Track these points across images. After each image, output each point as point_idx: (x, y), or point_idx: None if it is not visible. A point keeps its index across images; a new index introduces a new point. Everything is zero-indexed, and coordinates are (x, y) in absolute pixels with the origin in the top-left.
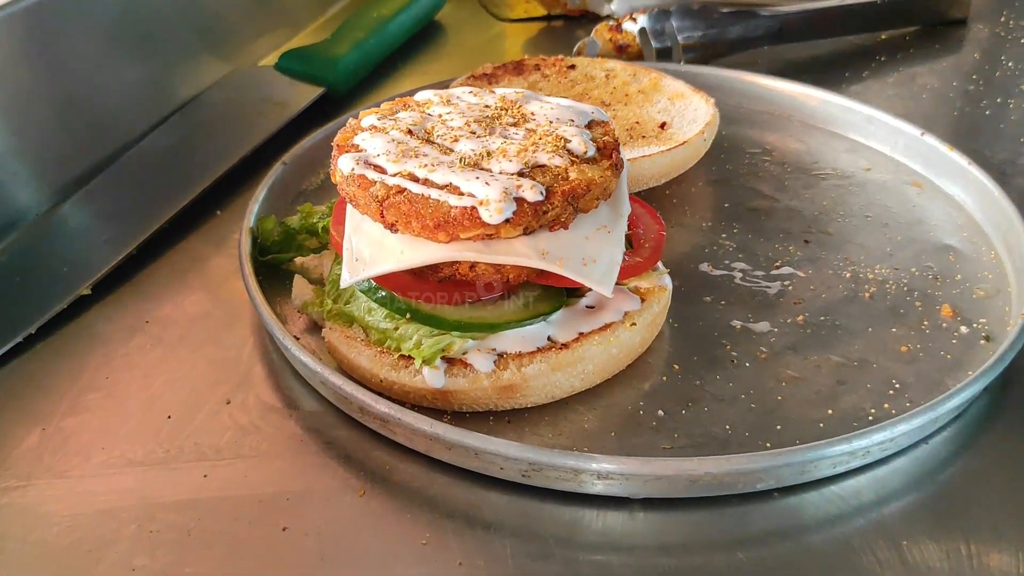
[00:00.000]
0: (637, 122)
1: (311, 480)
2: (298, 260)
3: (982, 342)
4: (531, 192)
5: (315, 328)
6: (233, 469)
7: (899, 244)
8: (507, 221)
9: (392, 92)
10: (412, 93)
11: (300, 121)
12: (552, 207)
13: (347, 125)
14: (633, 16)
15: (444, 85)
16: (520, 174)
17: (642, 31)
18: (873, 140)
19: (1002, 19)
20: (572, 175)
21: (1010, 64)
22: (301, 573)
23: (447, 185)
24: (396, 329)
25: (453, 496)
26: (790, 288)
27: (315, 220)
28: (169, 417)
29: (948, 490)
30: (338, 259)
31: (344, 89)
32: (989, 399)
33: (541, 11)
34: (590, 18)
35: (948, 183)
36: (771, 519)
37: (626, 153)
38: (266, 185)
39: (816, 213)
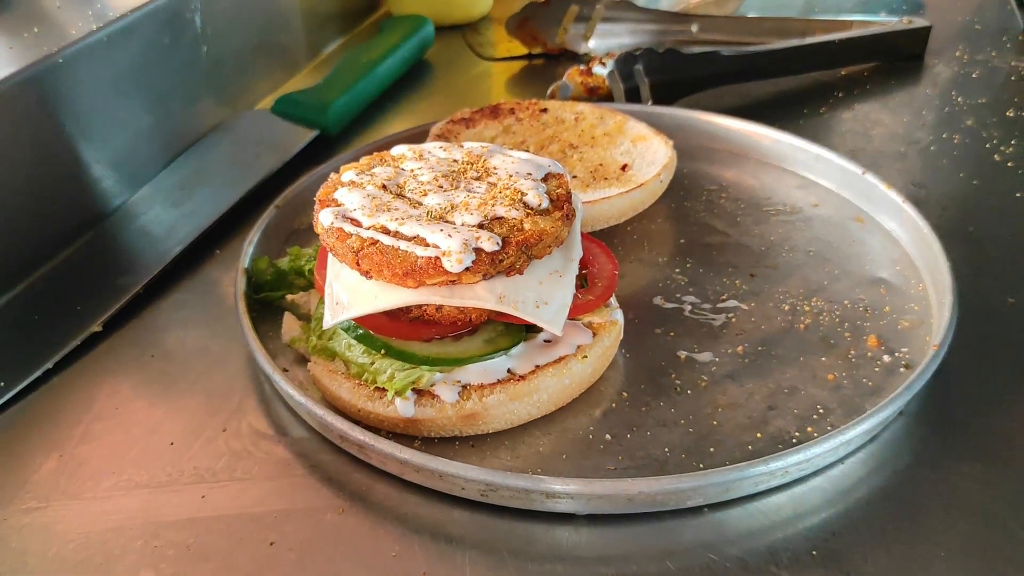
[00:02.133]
0: (601, 164)
1: (297, 500)
2: (288, 297)
3: (902, 369)
4: (488, 243)
5: (303, 360)
6: (228, 490)
7: (836, 277)
8: (467, 269)
9: (382, 132)
10: (389, 142)
11: (295, 160)
12: (507, 256)
13: (329, 180)
14: (603, 60)
15: (426, 132)
16: (480, 226)
17: (611, 74)
18: (821, 177)
19: (957, 54)
20: (527, 226)
21: (959, 99)
22: None
23: (415, 237)
24: (372, 363)
25: (421, 514)
26: (733, 320)
27: (303, 263)
28: (171, 444)
29: (859, 506)
30: (322, 300)
31: (336, 131)
32: (904, 423)
33: (523, 50)
34: (568, 56)
35: (887, 219)
36: (699, 532)
37: (588, 195)
38: (260, 228)
39: (764, 248)
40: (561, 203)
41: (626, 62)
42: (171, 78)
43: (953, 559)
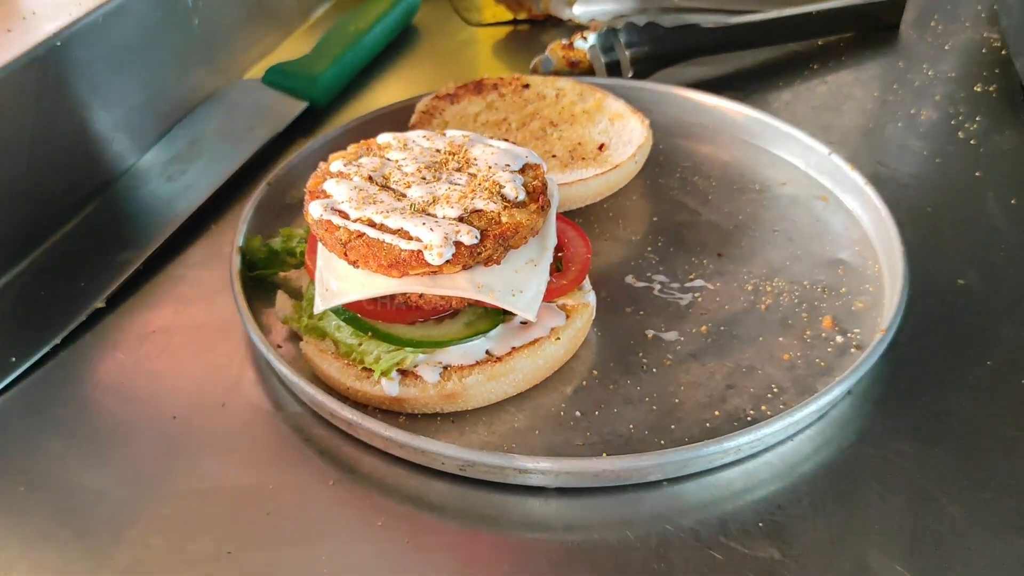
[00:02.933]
0: (579, 143)
1: (291, 472)
2: (281, 274)
3: (852, 350)
4: (467, 237)
5: (296, 336)
6: (227, 463)
7: (798, 257)
8: (447, 262)
9: (370, 101)
10: (375, 117)
11: (286, 131)
12: (485, 249)
13: (318, 169)
14: (584, 35)
15: (412, 106)
16: (460, 219)
17: (592, 48)
18: (791, 155)
19: (932, 24)
20: (504, 219)
21: (930, 72)
22: (280, 550)
23: (399, 230)
24: (360, 344)
25: (405, 485)
26: (699, 300)
27: (294, 244)
28: (174, 418)
29: (804, 481)
30: (312, 282)
31: (325, 102)
32: (852, 401)
33: (508, 16)
34: (553, 22)
35: (850, 199)
36: (657, 504)
37: (566, 175)
38: (252, 206)
39: (732, 227)
40: (537, 195)
41: (607, 36)
42: (164, 52)
43: (886, 532)
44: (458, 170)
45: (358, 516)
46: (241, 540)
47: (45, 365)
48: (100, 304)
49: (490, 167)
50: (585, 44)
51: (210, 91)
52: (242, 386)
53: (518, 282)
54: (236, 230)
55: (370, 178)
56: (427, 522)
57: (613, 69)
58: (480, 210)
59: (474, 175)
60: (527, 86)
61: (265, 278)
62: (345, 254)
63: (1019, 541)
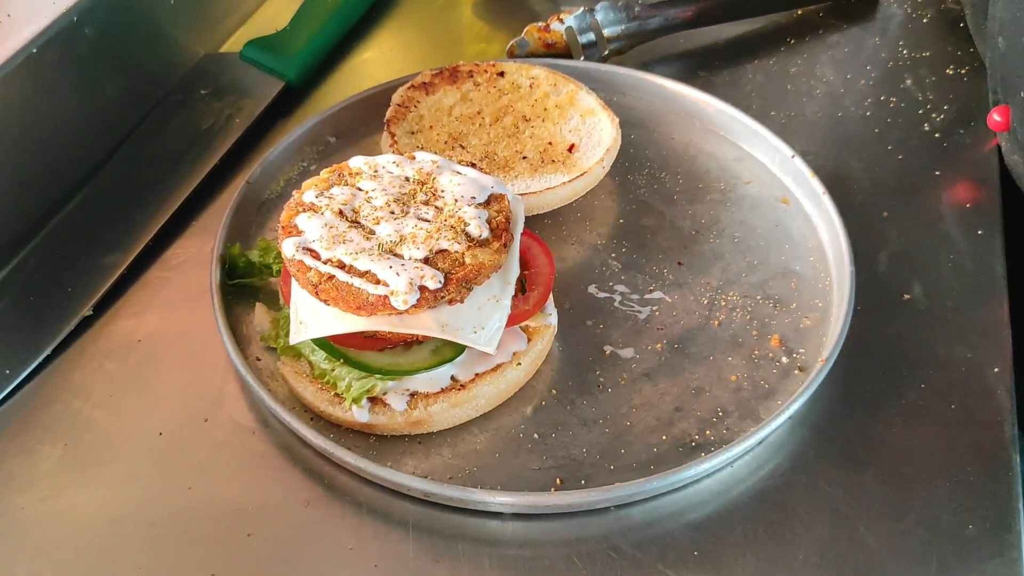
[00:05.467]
0: (550, 143)
1: (269, 492)
2: (261, 280)
3: (796, 372)
4: (432, 281)
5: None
6: (211, 481)
7: (754, 268)
8: (412, 306)
9: (348, 75)
10: (350, 104)
11: (264, 112)
12: (448, 292)
13: (292, 199)
14: (560, 17)
15: (387, 92)
16: (426, 260)
17: (568, 29)
18: (757, 151)
19: None
20: (467, 260)
21: (905, 51)
22: (259, 571)
23: (367, 273)
24: (333, 370)
25: (375, 507)
26: (657, 314)
27: (271, 260)
28: (160, 434)
29: (739, 508)
30: (286, 308)
31: (302, 81)
32: (789, 425)
33: None
34: None
35: (809, 204)
36: (604, 527)
37: (535, 183)
38: (232, 209)
39: (694, 232)
40: (500, 232)
41: (583, 18)
42: (143, 36)
43: (808, 561)
44: (425, 203)
45: (330, 539)
46: (225, 561)
47: (37, 376)
48: (88, 312)
49: (456, 200)
50: (561, 26)
51: (189, 67)
52: (224, 400)
53: (480, 318)
54: (216, 236)
55: (340, 212)
56: (393, 545)
57: (590, 49)
58: (445, 250)
59: (440, 208)
60: (502, 74)
61: (245, 284)
62: (316, 294)
63: (927, 575)
